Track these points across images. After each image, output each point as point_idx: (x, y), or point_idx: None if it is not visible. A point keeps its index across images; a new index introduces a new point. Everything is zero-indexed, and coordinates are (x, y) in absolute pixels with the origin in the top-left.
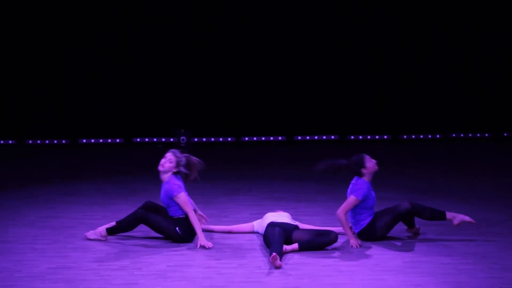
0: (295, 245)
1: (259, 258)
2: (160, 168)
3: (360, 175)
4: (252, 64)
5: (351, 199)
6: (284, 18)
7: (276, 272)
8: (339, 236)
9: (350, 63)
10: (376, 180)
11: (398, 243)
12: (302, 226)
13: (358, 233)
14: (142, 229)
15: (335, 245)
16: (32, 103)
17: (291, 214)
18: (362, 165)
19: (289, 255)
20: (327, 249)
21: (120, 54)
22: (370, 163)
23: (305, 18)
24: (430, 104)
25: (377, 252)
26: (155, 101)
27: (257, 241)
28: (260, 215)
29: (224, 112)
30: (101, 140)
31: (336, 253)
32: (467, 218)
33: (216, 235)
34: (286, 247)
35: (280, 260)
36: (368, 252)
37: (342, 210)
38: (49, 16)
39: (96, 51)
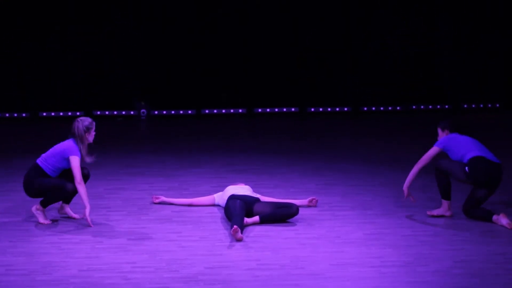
0: (256, 218)
1: (220, 231)
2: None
3: None
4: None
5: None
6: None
7: (238, 245)
8: (300, 209)
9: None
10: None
11: (360, 216)
12: (263, 198)
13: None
14: (102, 203)
15: (296, 217)
16: None
17: (252, 187)
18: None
19: (250, 228)
20: (288, 222)
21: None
22: None
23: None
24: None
25: (338, 225)
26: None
27: (218, 214)
28: (221, 188)
29: (184, 86)
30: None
31: (298, 226)
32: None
33: (176, 208)
34: (247, 220)
35: (241, 233)
36: (329, 224)
37: None
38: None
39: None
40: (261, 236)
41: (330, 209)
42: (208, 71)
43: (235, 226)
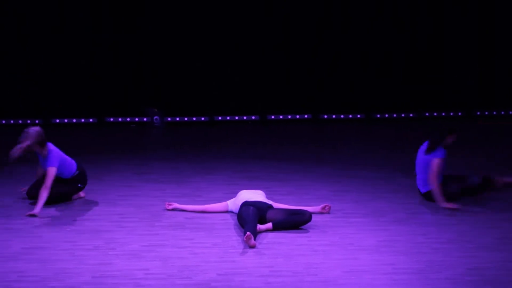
0: (269, 225)
1: (233, 238)
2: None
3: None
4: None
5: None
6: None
7: (251, 251)
8: (313, 215)
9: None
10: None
11: (372, 223)
12: (276, 205)
13: (424, 193)
14: (115, 210)
15: (309, 224)
16: None
17: (265, 193)
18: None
19: (263, 235)
20: (301, 228)
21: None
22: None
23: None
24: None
25: (351, 231)
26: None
27: (231, 221)
28: (234, 195)
29: (197, 92)
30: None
31: (311, 233)
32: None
33: (189, 215)
34: (260, 227)
35: (254, 239)
36: (342, 231)
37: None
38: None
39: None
40: (274, 243)
41: (343, 216)
42: (222, 78)
43: (248, 233)
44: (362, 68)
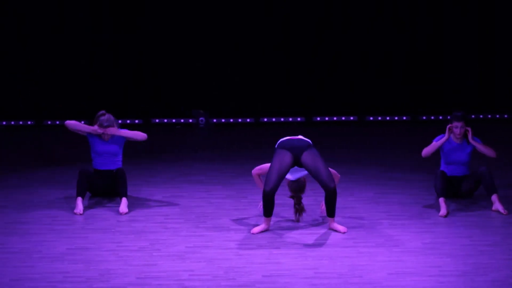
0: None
1: (277, 240)
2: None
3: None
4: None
5: None
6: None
7: (295, 253)
8: (358, 218)
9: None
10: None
11: (418, 224)
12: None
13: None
14: (160, 211)
15: (353, 226)
16: None
17: (308, 195)
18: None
19: (307, 237)
20: (346, 232)
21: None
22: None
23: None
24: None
25: (396, 233)
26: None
27: (275, 224)
28: (277, 196)
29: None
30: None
31: (355, 234)
32: (500, 209)
33: (234, 216)
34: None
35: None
36: (386, 233)
37: None
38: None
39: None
40: (318, 244)
41: (388, 218)
42: (269, 79)
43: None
44: (362, 68)
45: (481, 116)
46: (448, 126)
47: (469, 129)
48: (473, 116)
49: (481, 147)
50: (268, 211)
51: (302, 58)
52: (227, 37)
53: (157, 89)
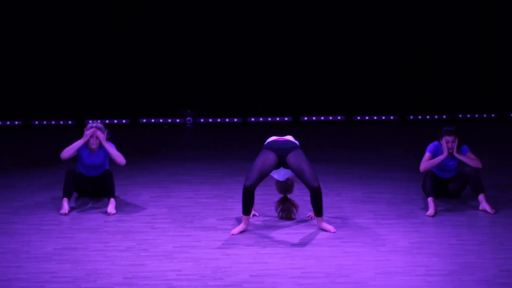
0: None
1: (265, 239)
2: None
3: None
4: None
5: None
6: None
7: (282, 253)
8: (345, 217)
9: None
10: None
11: (405, 224)
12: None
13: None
14: (148, 211)
15: (341, 225)
16: None
17: (298, 195)
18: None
19: (294, 236)
20: (333, 232)
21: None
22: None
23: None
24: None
25: (383, 233)
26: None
27: (263, 224)
28: (265, 196)
29: (228, 92)
30: (107, 121)
31: (342, 234)
32: (488, 208)
33: (222, 216)
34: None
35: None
36: (374, 233)
37: None
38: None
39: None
40: (305, 244)
41: (375, 217)
42: (254, 79)
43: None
44: (362, 68)
45: (480, 116)
46: (442, 140)
47: (456, 142)
48: (472, 116)
49: (466, 160)
50: (246, 208)
51: (302, 58)
52: (227, 37)
53: (156, 89)
